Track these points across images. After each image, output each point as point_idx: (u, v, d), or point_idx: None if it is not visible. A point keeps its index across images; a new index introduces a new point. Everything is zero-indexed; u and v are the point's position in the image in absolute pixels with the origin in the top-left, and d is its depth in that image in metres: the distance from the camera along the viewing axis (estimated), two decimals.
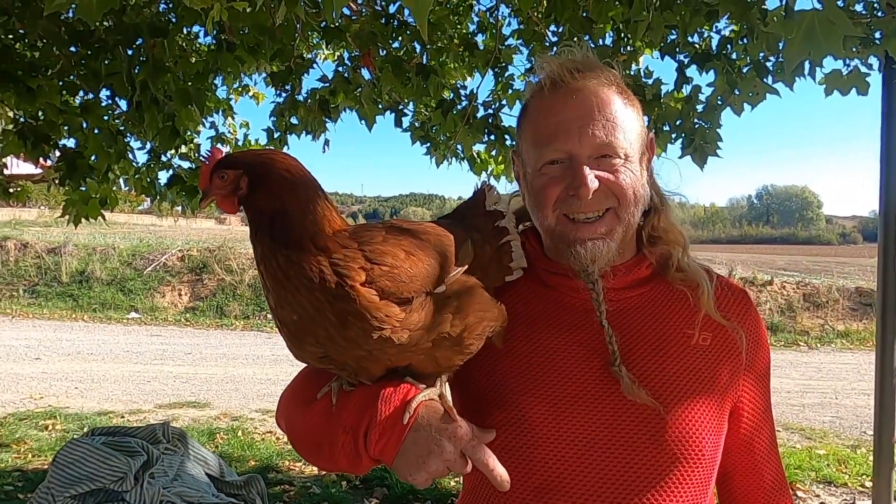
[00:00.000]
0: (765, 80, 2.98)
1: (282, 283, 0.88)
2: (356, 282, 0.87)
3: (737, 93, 3.06)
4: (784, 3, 1.94)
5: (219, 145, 4.82)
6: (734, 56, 3.19)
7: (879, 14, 2.76)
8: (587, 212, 1.04)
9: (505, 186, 4.28)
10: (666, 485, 0.99)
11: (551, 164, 1.06)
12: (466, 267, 1.00)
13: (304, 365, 1.04)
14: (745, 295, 1.17)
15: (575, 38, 3.01)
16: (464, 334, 0.95)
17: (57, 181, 3.33)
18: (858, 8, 2.90)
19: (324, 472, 4.99)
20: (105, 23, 3.05)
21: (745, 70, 3.08)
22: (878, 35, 2.84)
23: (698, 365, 1.07)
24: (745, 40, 3.11)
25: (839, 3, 2.28)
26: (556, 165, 1.05)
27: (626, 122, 1.06)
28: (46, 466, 4.39)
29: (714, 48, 3.26)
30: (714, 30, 3.32)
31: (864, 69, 2.93)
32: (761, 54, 2.96)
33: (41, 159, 3.23)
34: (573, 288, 1.11)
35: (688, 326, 1.09)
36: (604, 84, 1.06)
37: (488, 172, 4.51)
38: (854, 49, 2.83)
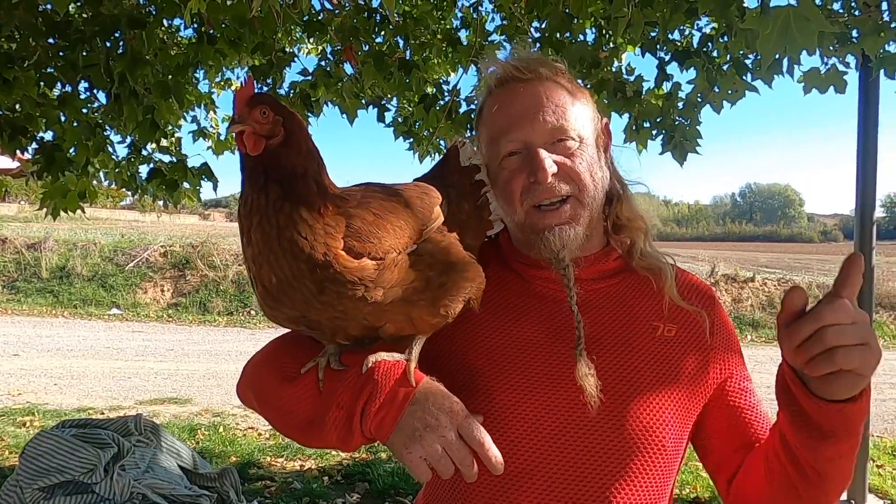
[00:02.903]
0: (744, 77, 3.01)
1: (269, 241, 0.86)
2: (336, 249, 0.87)
3: (716, 90, 3.08)
4: (760, 0, 1.97)
5: (201, 140, 4.80)
6: (714, 53, 3.21)
7: (856, 13, 2.80)
8: (550, 197, 1.06)
9: None
10: (626, 475, 1.00)
11: (510, 157, 1.08)
12: (441, 223, 1.00)
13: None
14: (708, 288, 1.19)
15: (556, 38, 3.02)
16: (439, 293, 0.95)
17: (35, 174, 3.29)
18: (836, 6, 2.93)
19: (305, 468, 4.97)
20: (83, 14, 3.02)
21: (724, 67, 3.10)
22: (855, 34, 2.88)
23: (663, 356, 1.07)
24: (725, 38, 3.13)
25: (816, 1, 2.30)
26: (514, 157, 1.08)
27: (576, 106, 1.09)
28: None
29: (695, 45, 3.28)
30: (695, 27, 3.34)
31: (841, 67, 2.97)
32: (741, 52, 2.99)
33: (18, 152, 3.20)
34: (545, 278, 1.12)
35: (655, 318, 1.11)
36: (549, 76, 1.10)
37: None
38: (832, 48, 2.87)
